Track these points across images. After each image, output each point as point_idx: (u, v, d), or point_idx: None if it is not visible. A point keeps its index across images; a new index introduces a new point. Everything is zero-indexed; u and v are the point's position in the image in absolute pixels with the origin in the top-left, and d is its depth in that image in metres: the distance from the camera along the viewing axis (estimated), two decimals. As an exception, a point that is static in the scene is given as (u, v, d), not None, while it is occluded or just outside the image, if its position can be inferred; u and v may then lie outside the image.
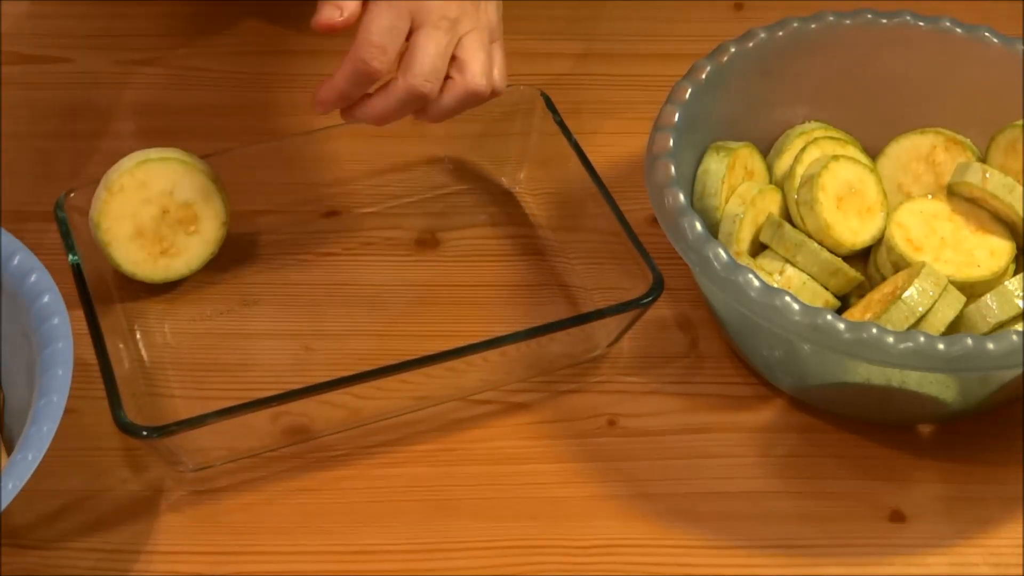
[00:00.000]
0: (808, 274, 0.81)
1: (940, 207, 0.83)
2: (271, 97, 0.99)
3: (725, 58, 0.84)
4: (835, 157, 0.83)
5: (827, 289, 0.81)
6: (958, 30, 0.86)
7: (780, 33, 0.85)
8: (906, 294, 0.76)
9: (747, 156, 0.85)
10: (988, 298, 0.78)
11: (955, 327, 0.78)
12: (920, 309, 0.76)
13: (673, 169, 0.78)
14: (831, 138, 0.86)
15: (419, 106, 0.79)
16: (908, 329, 0.75)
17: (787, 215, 0.84)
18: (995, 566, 0.75)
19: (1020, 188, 0.80)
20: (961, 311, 0.78)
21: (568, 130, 0.87)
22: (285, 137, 0.91)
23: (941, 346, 0.70)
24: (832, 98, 0.88)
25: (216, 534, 0.76)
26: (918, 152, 0.86)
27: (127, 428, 0.72)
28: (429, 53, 0.77)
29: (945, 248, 0.81)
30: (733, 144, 0.84)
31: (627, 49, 1.03)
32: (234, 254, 0.87)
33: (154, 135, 0.94)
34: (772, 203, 0.84)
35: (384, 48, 0.76)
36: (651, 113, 0.82)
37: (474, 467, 0.79)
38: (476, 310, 0.86)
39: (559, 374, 0.83)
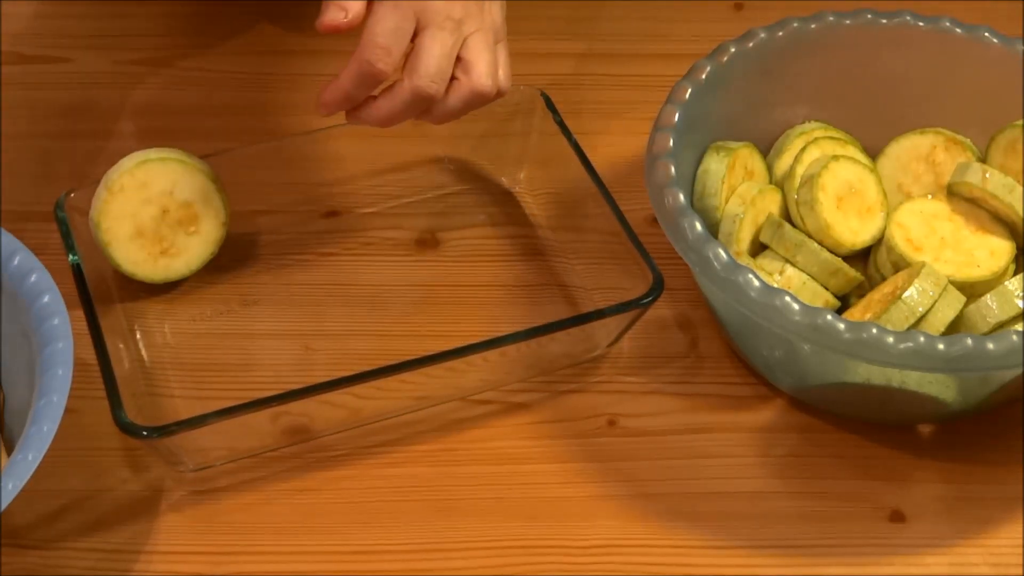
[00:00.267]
0: (808, 274, 0.81)
1: (940, 207, 0.83)
2: (271, 97, 0.99)
3: (725, 58, 0.84)
4: (835, 157, 0.83)
5: (827, 289, 0.81)
6: (958, 30, 0.86)
7: (780, 33, 0.85)
8: (906, 294, 0.76)
9: (747, 156, 0.85)
10: (988, 298, 0.78)
11: (955, 327, 0.78)
12: (920, 309, 0.76)
13: (673, 169, 0.78)
14: (831, 138, 0.86)
15: (425, 108, 0.79)
16: (908, 329, 0.75)
17: (787, 215, 0.84)
18: (995, 566, 0.75)
19: (1020, 188, 0.80)
20: (961, 311, 0.78)
21: (568, 130, 0.87)
22: (285, 137, 0.91)
23: (941, 346, 0.70)
24: (832, 98, 0.88)
25: (216, 534, 0.76)
26: (918, 152, 0.86)
27: (127, 428, 0.72)
28: (435, 54, 0.77)
29: (945, 248, 0.81)
30: (733, 144, 0.84)
31: (627, 49, 1.03)
32: (234, 254, 0.87)
33: (154, 135, 0.94)
34: (772, 203, 0.84)
35: (389, 50, 0.76)
36: (651, 113, 0.82)
37: (474, 467, 0.79)
38: (476, 310, 0.86)
39: (559, 374, 0.83)
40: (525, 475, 0.78)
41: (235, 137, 0.93)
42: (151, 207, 0.83)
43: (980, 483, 0.79)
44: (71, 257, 0.81)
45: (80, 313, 0.77)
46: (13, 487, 0.66)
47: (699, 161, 0.84)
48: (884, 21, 0.86)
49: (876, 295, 0.79)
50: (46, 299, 0.73)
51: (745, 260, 0.82)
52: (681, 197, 0.77)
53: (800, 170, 0.83)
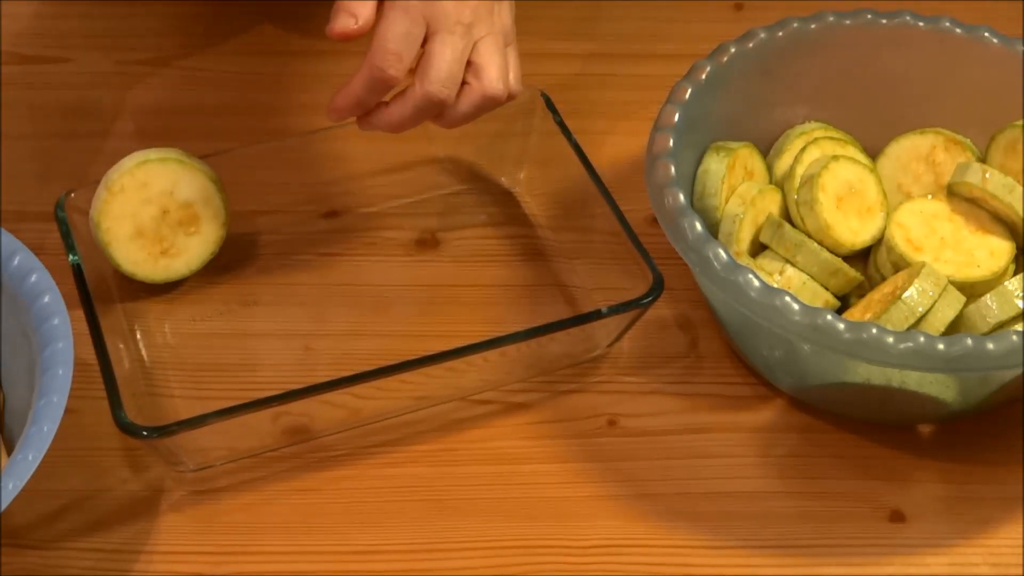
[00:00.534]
0: (808, 274, 0.81)
1: (940, 207, 0.83)
2: (271, 97, 0.99)
3: (725, 58, 0.84)
4: (835, 157, 0.83)
5: (827, 289, 0.81)
6: (958, 30, 0.86)
7: (780, 33, 0.85)
8: (906, 294, 0.76)
9: (747, 156, 0.85)
10: (988, 298, 0.78)
11: (955, 327, 0.78)
12: (920, 309, 0.76)
13: (673, 169, 0.78)
14: (831, 138, 0.86)
15: (436, 113, 0.79)
16: (908, 329, 0.75)
17: (787, 215, 0.84)
18: (995, 566, 0.75)
19: (1020, 188, 0.80)
20: (961, 311, 0.78)
21: (568, 130, 0.87)
22: (285, 137, 0.91)
23: (941, 346, 0.70)
24: (832, 98, 0.88)
25: (216, 534, 0.76)
26: (918, 152, 0.86)
27: (127, 428, 0.72)
28: (446, 59, 0.77)
29: (945, 248, 0.81)
30: (733, 144, 0.84)
31: (627, 49, 1.03)
32: (234, 254, 0.87)
33: (154, 135, 0.94)
34: (772, 203, 0.84)
35: (400, 55, 0.75)
36: (651, 113, 0.82)
37: (474, 467, 0.79)
38: (476, 310, 0.86)
39: (559, 374, 0.83)
40: (525, 475, 0.79)
41: (235, 137, 0.93)
42: (151, 207, 0.83)
43: (980, 483, 0.79)
44: (71, 257, 0.81)
45: (80, 313, 0.77)
46: (13, 487, 0.66)
47: (699, 161, 0.84)
48: (884, 21, 0.86)
49: (876, 295, 0.79)
50: (46, 299, 0.73)
51: (745, 260, 0.82)
52: (681, 197, 0.77)
53: (800, 170, 0.83)
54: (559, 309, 0.85)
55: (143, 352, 0.83)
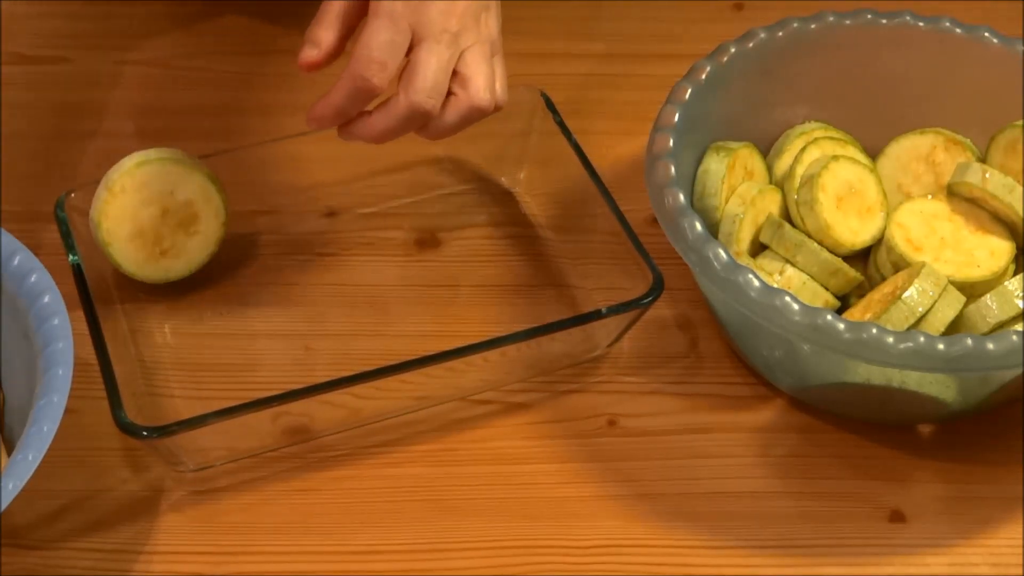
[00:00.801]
0: (808, 274, 0.81)
1: (940, 207, 0.83)
2: (271, 97, 0.99)
3: (725, 58, 0.84)
4: (835, 157, 0.83)
5: (827, 289, 0.81)
6: (958, 30, 0.86)
7: (780, 33, 0.85)
8: (906, 294, 0.76)
9: (747, 156, 0.85)
10: (988, 298, 0.78)
11: (955, 327, 0.78)
12: (920, 309, 0.76)
13: (673, 169, 0.78)
14: (831, 138, 0.86)
15: (421, 123, 0.78)
16: (908, 329, 0.75)
17: (787, 215, 0.84)
18: (995, 566, 0.75)
19: (1020, 188, 0.80)
20: (961, 311, 0.78)
21: (568, 130, 0.87)
22: (285, 137, 0.91)
23: (941, 346, 0.70)
24: (832, 98, 0.88)
25: (216, 534, 0.76)
26: (918, 152, 0.86)
27: (127, 428, 0.72)
28: (431, 68, 0.75)
29: (945, 248, 0.81)
30: (733, 144, 0.84)
31: (627, 49, 1.03)
32: (234, 254, 0.87)
33: (154, 135, 0.94)
34: (772, 203, 0.84)
35: (384, 64, 0.74)
36: (651, 113, 0.82)
37: (474, 467, 0.79)
38: (476, 310, 0.86)
39: (559, 374, 0.83)
40: (525, 475, 0.79)
41: (235, 137, 0.93)
42: (151, 207, 0.83)
43: (980, 483, 0.79)
44: (71, 257, 0.81)
45: (80, 313, 0.77)
46: (13, 487, 0.66)
47: (699, 161, 0.84)
48: (884, 21, 0.86)
49: (876, 295, 0.79)
50: (46, 299, 0.73)
51: (745, 260, 0.82)
52: (681, 197, 0.77)
53: (800, 170, 0.83)
54: (559, 309, 0.85)
55: (143, 352, 0.83)
